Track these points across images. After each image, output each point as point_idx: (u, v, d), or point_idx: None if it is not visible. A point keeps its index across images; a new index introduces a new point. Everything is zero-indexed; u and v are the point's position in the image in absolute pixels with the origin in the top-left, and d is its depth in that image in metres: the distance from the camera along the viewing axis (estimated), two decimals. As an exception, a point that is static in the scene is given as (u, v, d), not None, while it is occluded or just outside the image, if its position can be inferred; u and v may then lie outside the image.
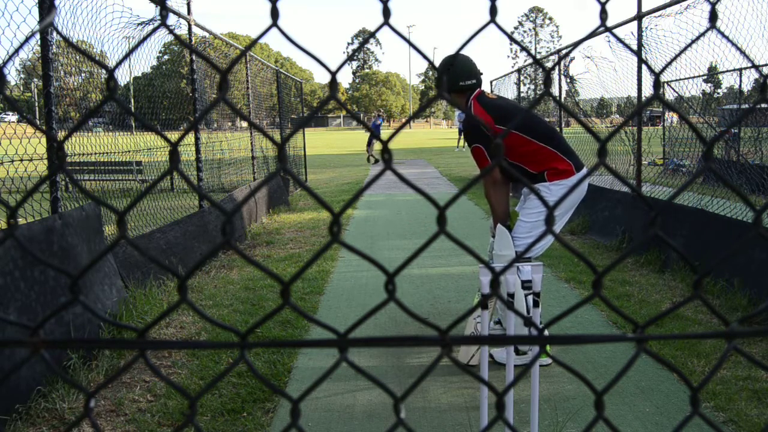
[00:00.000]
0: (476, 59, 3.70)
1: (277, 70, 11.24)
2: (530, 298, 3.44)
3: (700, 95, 9.71)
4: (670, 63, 0.63)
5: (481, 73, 3.67)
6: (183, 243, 5.25)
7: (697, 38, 0.67)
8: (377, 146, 19.14)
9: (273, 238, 6.98)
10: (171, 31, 0.63)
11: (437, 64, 0.62)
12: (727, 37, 0.68)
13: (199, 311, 0.57)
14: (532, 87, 12.06)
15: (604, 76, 7.27)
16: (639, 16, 5.76)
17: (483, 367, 2.36)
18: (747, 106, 9.72)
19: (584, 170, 3.55)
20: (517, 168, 3.55)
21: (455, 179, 13.70)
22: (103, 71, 4.38)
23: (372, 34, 0.60)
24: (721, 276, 4.29)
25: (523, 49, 0.69)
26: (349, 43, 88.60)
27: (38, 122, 4.90)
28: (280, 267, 5.64)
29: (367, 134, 19.53)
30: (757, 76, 8.63)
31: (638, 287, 4.69)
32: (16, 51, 0.61)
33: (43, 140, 3.67)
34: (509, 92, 12.81)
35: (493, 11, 0.58)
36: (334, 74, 0.58)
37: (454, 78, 3.55)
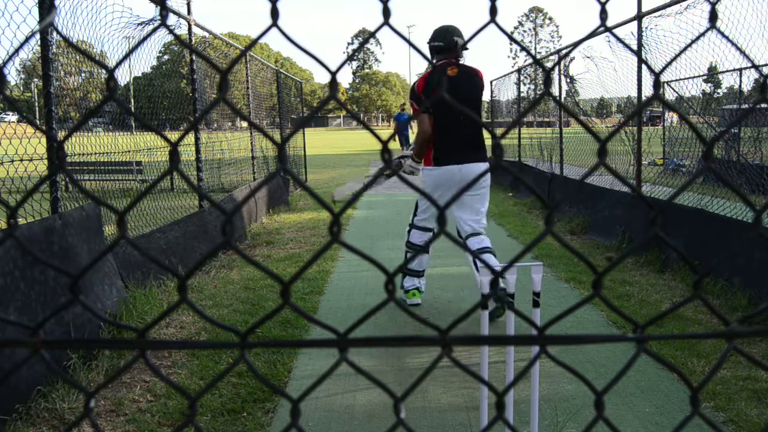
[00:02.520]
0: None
1: (277, 70, 11.24)
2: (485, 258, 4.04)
3: (700, 95, 9.71)
4: (670, 63, 0.63)
5: (451, 39, 4.18)
6: (183, 243, 5.25)
7: (697, 38, 0.67)
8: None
9: (273, 238, 6.98)
10: (171, 31, 0.63)
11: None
12: (727, 37, 0.68)
13: (199, 311, 0.57)
14: (532, 87, 12.07)
15: (604, 76, 7.27)
16: (639, 16, 5.76)
17: (483, 367, 2.36)
18: (747, 106, 9.71)
19: (450, 167, 4.12)
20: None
21: (455, 179, 13.67)
22: (103, 71, 4.38)
23: (372, 34, 0.60)
24: (721, 276, 4.28)
25: (523, 49, 0.70)
26: (349, 43, 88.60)
27: (38, 122, 4.90)
28: (280, 267, 5.64)
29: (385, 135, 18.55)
30: (757, 76, 8.63)
31: (638, 287, 4.68)
32: (16, 51, 0.61)
33: (43, 140, 3.67)
34: (509, 92, 12.82)
35: (493, 11, 0.58)
36: (334, 74, 0.58)
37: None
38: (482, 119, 4.32)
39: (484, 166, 4.14)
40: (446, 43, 4.16)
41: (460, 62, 4.21)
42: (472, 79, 4.20)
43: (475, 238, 4.16)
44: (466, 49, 4.30)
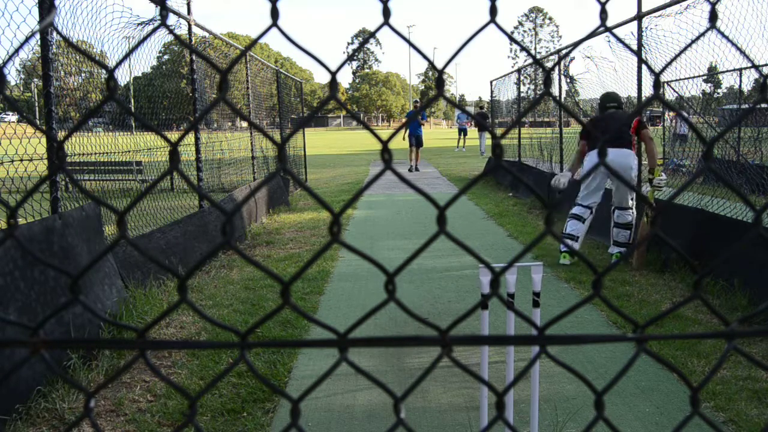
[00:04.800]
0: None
1: (277, 70, 11.24)
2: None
3: (700, 95, 9.70)
4: (670, 63, 0.63)
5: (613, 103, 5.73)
6: (183, 243, 5.25)
7: (697, 38, 0.67)
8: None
9: (273, 238, 6.98)
10: (171, 31, 0.63)
11: (437, 63, 0.63)
12: (727, 37, 0.68)
13: (199, 311, 0.57)
14: (532, 87, 12.07)
15: (604, 76, 7.27)
16: (639, 16, 5.76)
17: (483, 367, 2.36)
18: (747, 106, 9.71)
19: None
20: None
21: (455, 179, 13.70)
22: (103, 71, 4.38)
23: (372, 34, 0.60)
24: (721, 276, 4.28)
25: (523, 49, 0.69)
26: (349, 43, 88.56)
27: (38, 122, 4.89)
28: (280, 267, 5.64)
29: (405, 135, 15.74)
30: (757, 76, 8.63)
31: (638, 287, 4.68)
32: (16, 51, 0.61)
33: (43, 140, 3.67)
34: (509, 92, 12.82)
35: (493, 11, 0.58)
36: (334, 74, 0.58)
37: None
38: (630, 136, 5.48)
39: (629, 155, 5.41)
40: (618, 104, 5.68)
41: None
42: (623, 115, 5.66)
43: (618, 211, 5.56)
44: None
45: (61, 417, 2.77)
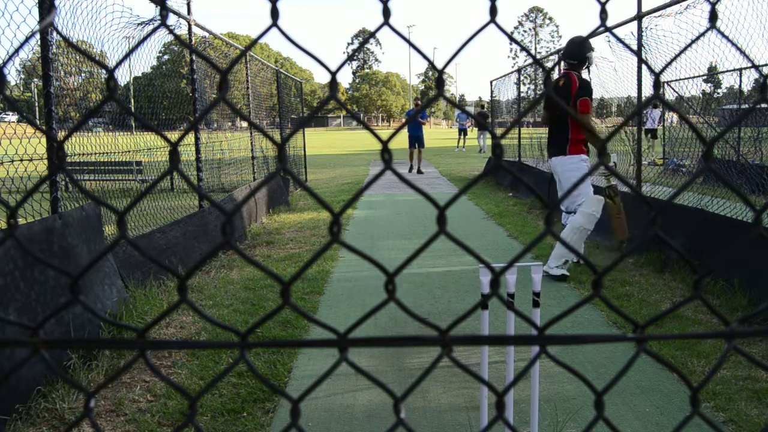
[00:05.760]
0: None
1: (277, 70, 11.24)
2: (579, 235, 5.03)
3: (700, 95, 9.70)
4: (670, 63, 0.63)
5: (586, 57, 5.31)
6: (183, 243, 5.25)
7: (697, 38, 0.67)
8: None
9: (273, 238, 6.98)
10: (171, 31, 0.63)
11: (437, 64, 0.62)
12: (727, 37, 0.68)
13: (199, 311, 0.57)
14: (532, 87, 12.07)
15: (604, 76, 7.27)
16: (639, 16, 5.76)
17: (483, 367, 2.36)
18: (747, 106, 9.71)
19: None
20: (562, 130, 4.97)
21: (455, 179, 13.70)
22: (103, 71, 4.38)
23: (372, 34, 0.60)
24: (721, 276, 4.28)
25: (523, 49, 0.69)
26: (349, 43, 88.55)
27: (38, 122, 4.89)
28: (280, 267, 5.64)
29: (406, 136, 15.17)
30: (757, 76, 8.63)
31: (638, 287, 4.68)
32: (16, 51, 0.61)
33: (43, 140, 3.67)
34: (509, 92, 12.82)
35: (493, 11, 0.58)
36: (334, 74, 0.58)
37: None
38: (565, 120, 4.97)
39: (556, 160, 5.10)
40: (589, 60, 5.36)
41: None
42: (562, 86, 5.09)
43: (565, 215, 5.31)
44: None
45: (61, 417, 2.77)
